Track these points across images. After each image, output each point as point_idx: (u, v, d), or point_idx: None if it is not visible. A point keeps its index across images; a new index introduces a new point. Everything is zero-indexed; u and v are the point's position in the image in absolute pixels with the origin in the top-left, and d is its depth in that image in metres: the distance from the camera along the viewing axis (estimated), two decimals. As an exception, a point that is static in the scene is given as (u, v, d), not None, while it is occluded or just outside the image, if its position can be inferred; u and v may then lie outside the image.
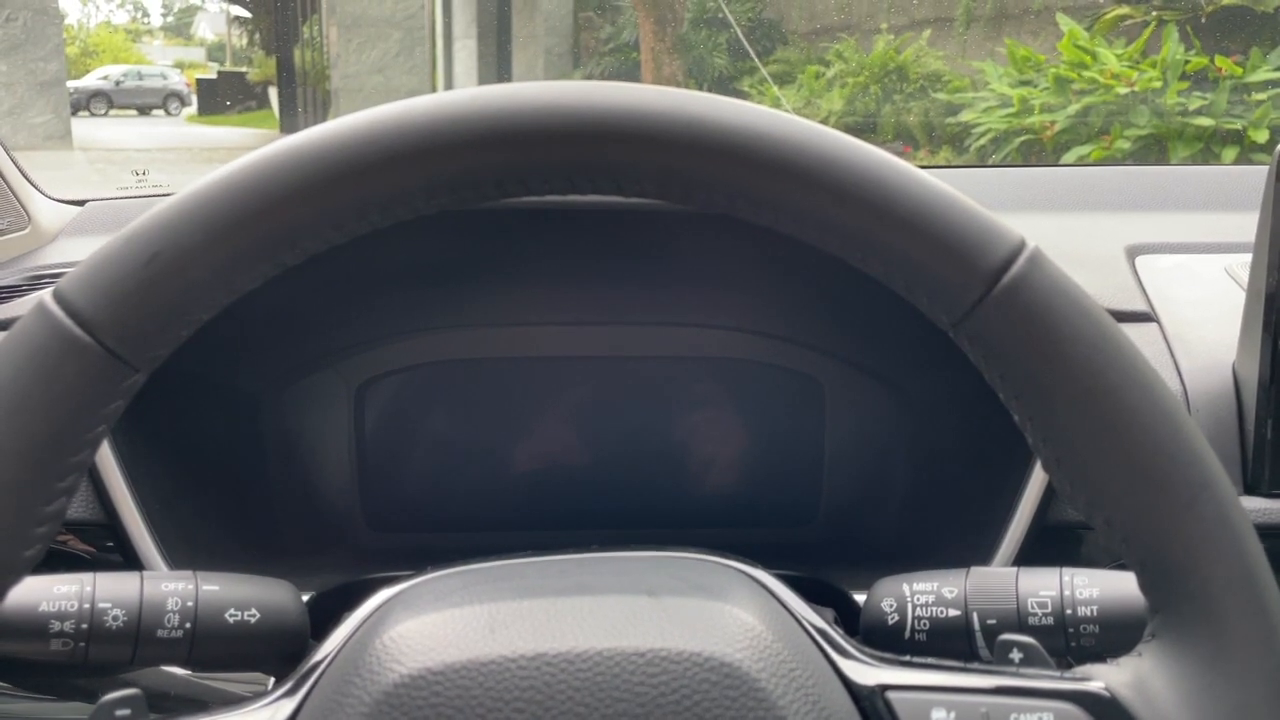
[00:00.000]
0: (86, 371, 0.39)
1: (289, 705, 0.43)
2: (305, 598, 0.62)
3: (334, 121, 0.42)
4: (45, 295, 0.40)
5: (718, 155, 0.41)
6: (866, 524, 0.97)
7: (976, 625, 0.58)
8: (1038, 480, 0.78)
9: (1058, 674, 0.43)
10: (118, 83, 18.61)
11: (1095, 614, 0.56)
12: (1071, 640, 0.57)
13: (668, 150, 0.41)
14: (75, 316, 0.39)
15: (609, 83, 0.42)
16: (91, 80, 18.73)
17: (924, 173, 0.42)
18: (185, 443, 0.86)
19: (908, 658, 0.45)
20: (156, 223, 0.40)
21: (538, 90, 0.42)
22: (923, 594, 0.59)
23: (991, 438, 0.83)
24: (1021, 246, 0.41)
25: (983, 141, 5.86)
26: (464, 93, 0.42)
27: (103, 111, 17.93)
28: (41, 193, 1.10)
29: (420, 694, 0.40)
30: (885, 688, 0.43)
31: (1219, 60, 5.22)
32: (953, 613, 0.58)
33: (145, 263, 0.40)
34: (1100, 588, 0.57)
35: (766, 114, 0.42)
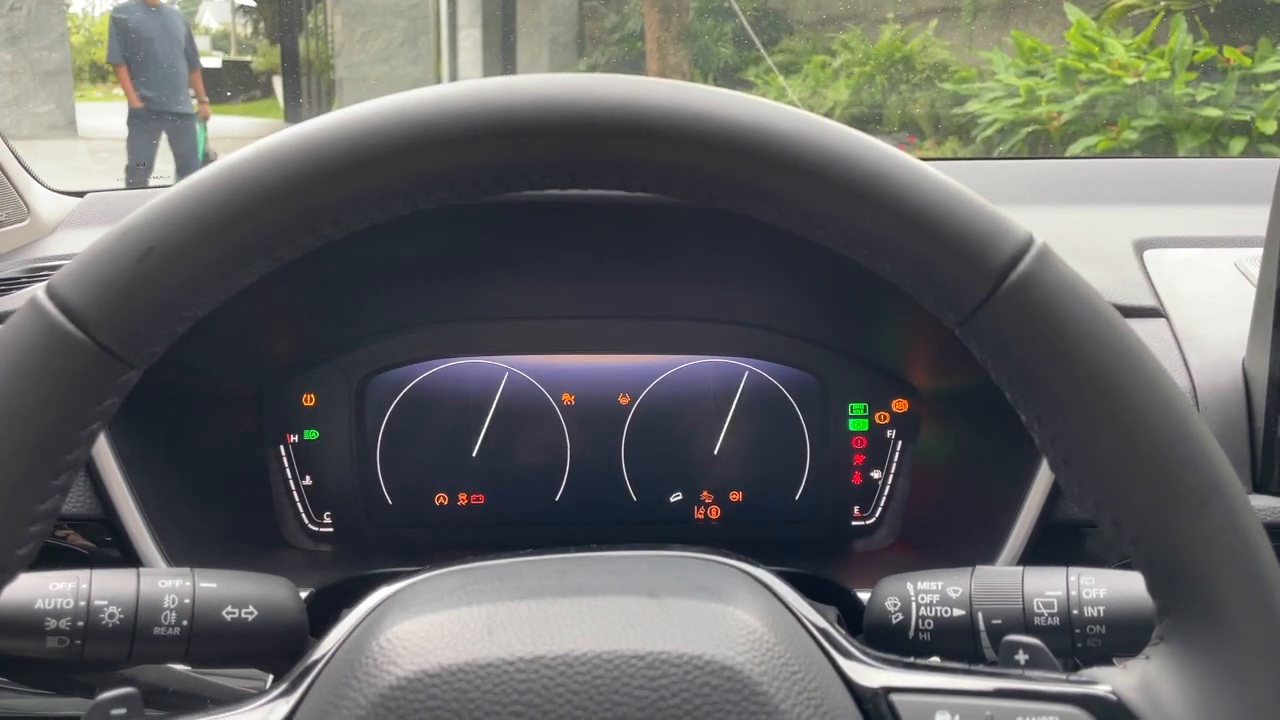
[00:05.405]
0: (80, 369, 0.39)
1: (284, 706, 0.42)
2: (304, 594, 0.61)
3: (331, 114, 0.41)
4: (39, 291, 0.39)
5: (722, 151, 0.40)
6: (870, 521, 0.96)
7: (981, 625, 0.57)
8: (1044, 478, 0.77)
9: (1063, 677, 0.42)
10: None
11: (1102, 615, 0.56)
12: (1078, 641, 0.56)
13: (672, 145, 0.40)
14: (69, 313, 0.39)
15: (612, 75, 0.41)
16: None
17: (931, 168, 0.41)
18: (184, 437, 0.85)
19: (911, 659, 0.44)
20: (151, 218, 0.40)
21: (538, 83, 0.41)
22: (927, 593, 0.59)
23: (997, 435, 0.82)
24: (1029, 243, 0.40)
25: (989, 132, 5.83)
26: (463, 85, 0.41)
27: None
28: (41, 184, 1.09)
29: (417, 697, 0.39)
30: (889, 690, 0.42)
31: (1227, 51, 5.18)
32: (957, 612, 0.58)
33: (139, 258, 0.39)
34: (1108, 588, 0.56)
35: (771, 108, 0.41)
